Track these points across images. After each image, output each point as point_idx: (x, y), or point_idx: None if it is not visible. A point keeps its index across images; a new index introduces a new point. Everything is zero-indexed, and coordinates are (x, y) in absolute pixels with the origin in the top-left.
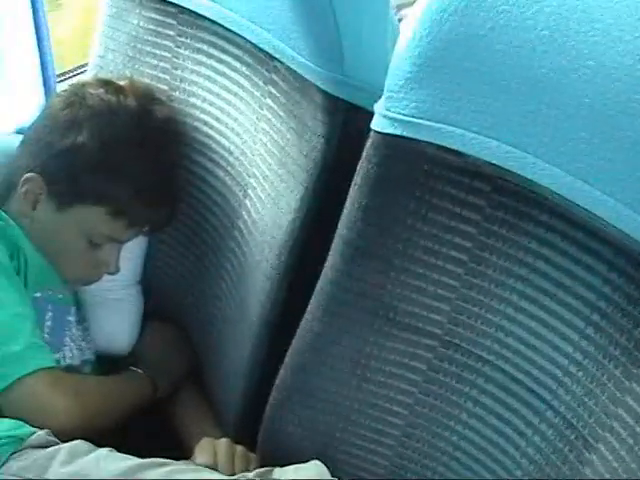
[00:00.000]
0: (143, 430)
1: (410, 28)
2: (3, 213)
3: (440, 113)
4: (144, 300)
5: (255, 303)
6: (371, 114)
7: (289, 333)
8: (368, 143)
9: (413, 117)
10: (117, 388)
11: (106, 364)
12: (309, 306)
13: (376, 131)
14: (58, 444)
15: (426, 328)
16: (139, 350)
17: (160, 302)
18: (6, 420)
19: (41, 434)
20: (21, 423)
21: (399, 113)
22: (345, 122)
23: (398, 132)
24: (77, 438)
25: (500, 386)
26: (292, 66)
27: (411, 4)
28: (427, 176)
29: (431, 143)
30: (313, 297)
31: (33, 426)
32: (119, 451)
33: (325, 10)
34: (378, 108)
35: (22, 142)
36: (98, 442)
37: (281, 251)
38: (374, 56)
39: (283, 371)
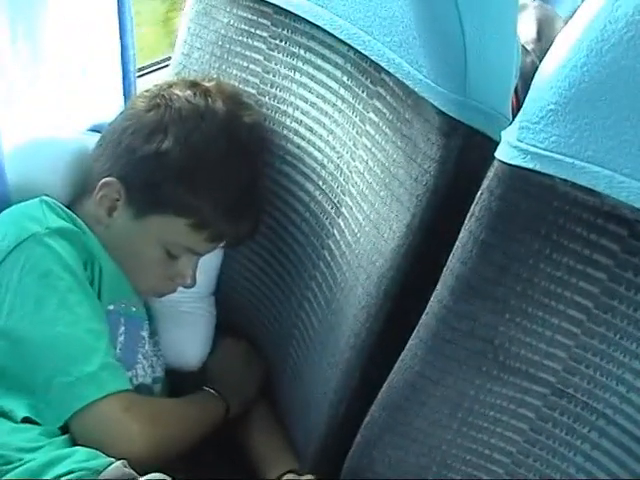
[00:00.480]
0: (211, 451)
1: (558, 56)
2: (78, 219)
3: (581, 149)
4: (217, 314)
5: (347, 331)
6: (491, 140)
7: (383, 366)
8: (490, 172)
9: (550, 151)
10: (192, 411)
11: (175, 381)
12: (410, 341)
13: (501, 161)
14: (135, 478)
15: (538, 374)
16: (210, 367)
17: (234, 317)
18: (81, 450)
19: (118, 465)
20: (96, 453)
21: (534, 145)
22: (463, 147)
23: (529, 165)
24: (152, 466)
25: (615, 442)
26: (406, 82)
27: None
28: (556, 214)
29: (565, 180)
30: (415, 332)
31: (108, 455)
32: (188, 475)
33: (453, 27)
34: (507, 137)
35: (100, 143)
36: (169, 467)
37: (381, 279)
38: (499, 79)
39: (375, 407)
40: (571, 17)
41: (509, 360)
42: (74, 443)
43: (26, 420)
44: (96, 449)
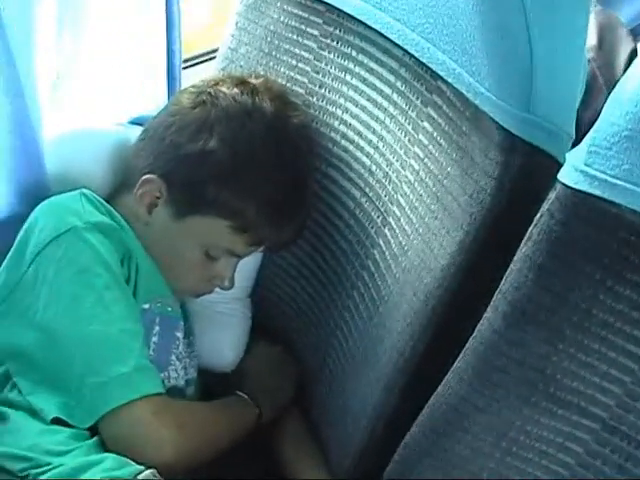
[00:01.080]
0: (241, 459)
1: (635, 80)
2: (116, 214)
3: None
4: (252, 317)
5: (390, 347)
6: (554, 160)
7: (426, 387)
8: (552, 195)
9: (621, 180)
10: (223, 416)
11: (208, 382)
12: (456, 364)
13: (565, 184)
14: None
15: (590, 409)
16: (243, 370)
17: (270, 321)
18: (110, 457)
19: (147, 475)
20: (125, 461)
21: (603, 172)
22: (523, 165)
23: (596, 192)
24: (180, 473)
25: None
26: (466, 93)
27: None
28: (621, 244)
29: (635, 210)
30: (462, 355)
31: (136, 459)
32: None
33: (520, 38)
34: (573, 160)
35: (142, 137)
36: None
37: (428, 298)
38: (565, 95)
39: (416, 429)
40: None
41: (560, 392)
42: (103, 446)
43: (56, 420)
44: (124, 452)
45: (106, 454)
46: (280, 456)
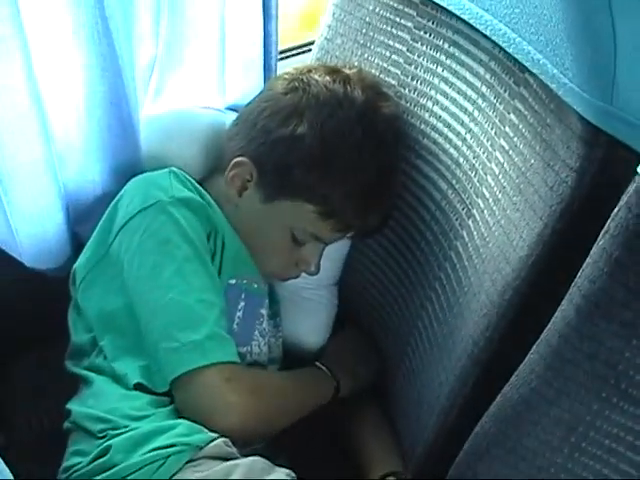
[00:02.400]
0: (313, 438)
1: None
2: (206, 193)
3: None
4: (338, 304)
5: (465, 337)
6: (634, 153)
7: (499, 378)
8: (631, 188)
9: None
10: (298, 385)
11: (292, 365)
12: (529, 356)
13: None
14: (236, 457)
15: None
16: (327, 350)
17: (353, 309)
18: (184, 423)
19: (219, 443)
20: (199, 428)
21: None
22: (604, 158)
23: None
24: (251, 440)
25: None
26: (550, 84)
27: None
28: None
29: None
30: (535, 347)
31: (205, 425)
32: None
33: (604, 29)
34: None
35: (236, 121)
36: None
37: (506, 289)
38: None
39: (486, 419)
40: None
41: (631, 389)
42: (179, 414)
43: (138, 386)
44: (193, 418)
45: (180, 420)
46: (355, 443)
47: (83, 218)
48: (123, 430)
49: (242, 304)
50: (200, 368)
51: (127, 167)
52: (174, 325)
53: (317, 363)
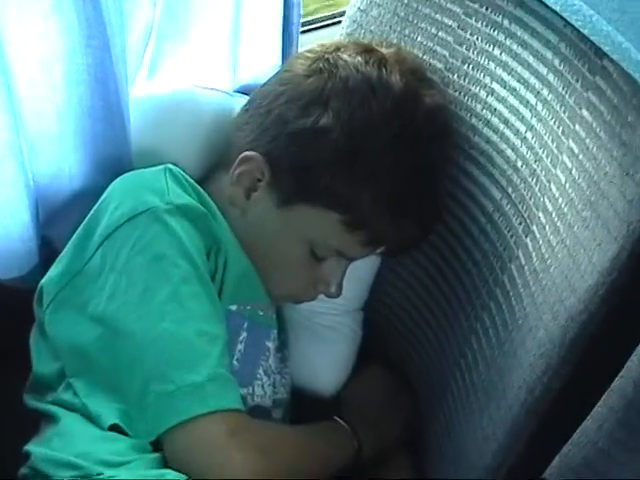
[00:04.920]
0: None
1: None
2: (208, 198)
3: None
4: (362, 334)
5: (518, 382)
6: None
7: (558, 434)
8: None
9: None
10: (314, 444)
11: (301, 409)
12: (596, 409)
13: None
14: None
15: None
16: (346, 395)
17: (382, 342)
18: (169, 474)
19: None
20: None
21: None
22: None
23: None
24: None
25: None
26: (634, 74)
27: None
28: None
29: None
30: (605, 398)
31: None
32: None
33: None
34: None
35: (246, 107)
36: None
37: (569, 324)
38: None
39: None
40: None
41: None
42: (165, 462)
43: (114, 427)
44: (189, 475)
45: (166, 470)
46: None
47: (55, 219)
48: (96, 479)
49: (244, 335)
50: (199, 417)
51: (112, 159)
52: (168, 363)
53: (336, 418)
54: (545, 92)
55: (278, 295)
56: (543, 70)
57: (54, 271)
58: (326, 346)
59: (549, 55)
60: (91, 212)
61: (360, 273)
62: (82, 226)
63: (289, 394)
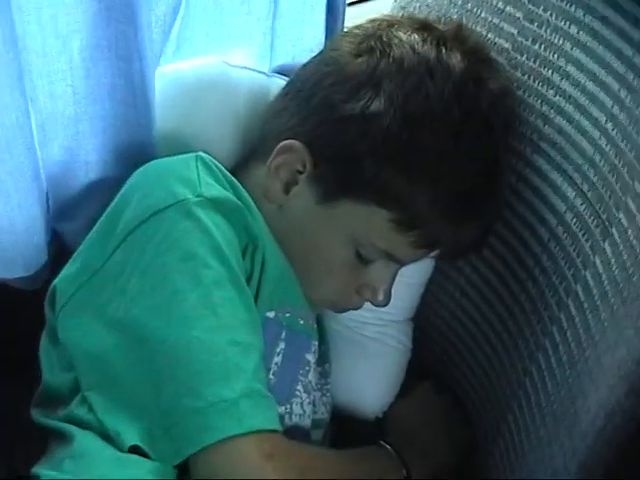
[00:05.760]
0: None
1: None
2: (243, 190)
3: None
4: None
5: (594, 407)
6: None
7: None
8: None
9: None
10: (357, 470)
11: (343, 430)
12: None
13: None
14: None
15: None
16: (393, 417)
17: (433, 357)
18: None
19: None
20: None
21: None
22: None
23: None
24: None
25: None
26: None
27: None
28: None
29: None
30: None
31: None
32: None
33: None
34: None
35: (285, 91)
36: None
37: None
38: None
39: None
40: None
41: None
42: None
43: (134, 450)
44: None
45: None
46: None
47: (68, 213)
48: None
49: (282, 346)
50: (232, 438)
51: (134, 145)
52: (198, 376)
53: (382, 442)
54: (629, 76)
55: (318, 300)
56: (628, 51)
57: (69, 269)
58: (371, 361)
59: (636, 35)
60: (111, 204)
61: (411, 279)
62: (101, 220)
63: (329, 414)
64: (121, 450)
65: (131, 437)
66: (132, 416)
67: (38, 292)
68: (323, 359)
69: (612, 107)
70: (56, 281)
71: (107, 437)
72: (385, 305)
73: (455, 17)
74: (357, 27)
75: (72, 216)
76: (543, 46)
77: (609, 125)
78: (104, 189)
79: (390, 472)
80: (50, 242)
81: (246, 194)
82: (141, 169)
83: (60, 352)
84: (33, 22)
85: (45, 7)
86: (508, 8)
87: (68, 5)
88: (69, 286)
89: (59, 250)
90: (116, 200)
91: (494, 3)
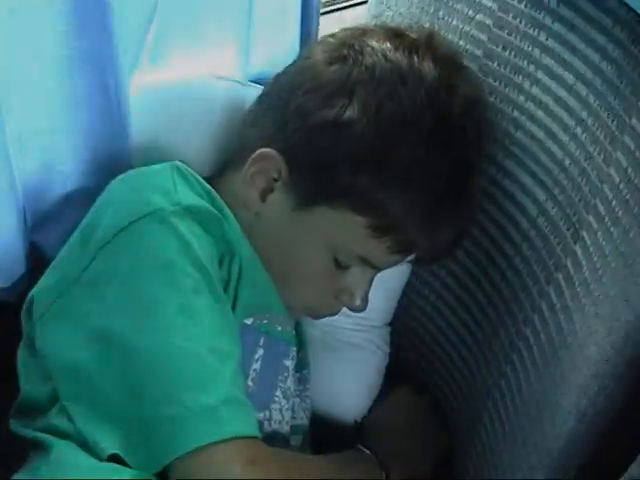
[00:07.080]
0: None
1: None
2: (219, 199)
3: None
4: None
5: (567, 406)
6: None
7: (613, 466)
8: None
9: None
10: (337, 475)
11: (322, 436)
12: None
13: None
14: None
15: None
16: (372, 421)
17: (410, 360)
18: None
19: None
20: None
21: None
22: None
23: None
24: None
25: None
26: None
27: None
28: None
29: None
30: None
31: None
32: None
33: None
34: None
35: (260, 99)
36: None
37: (626, 341)
38: None
39: None
40: None
41: None
42: None
43: (113, 458)
44: None
45: None
46: None
47: (45, 223)
48: None
49: (260, 353)
50: (213, 444)
51: (109, 156)
52: (177, 383)
53: (361, 447)
54: (597, 82)
55: (296, 307)
56: (595, 57)
57: (47, 280)
58: (350, 366)
59: (601, 40)
60: (88, 214)
61: (388, 284)
62: (78, 230)
63: (309, 419)
64: (100, 459)
65: (110, 446)
66: (111, 425)
67: (16, 303)
68: (302, 365)
69: (581, 112)
70: (33, 291)
71: (86, 446)
72: (363, 310)
73: (427, 25)
74: (331, 36)
75: (49, 227)
76: (513, 53)
77: (578, 130)
78: (81, 199)
79: (370, 476)
80: (28, 253)
81: (222, 203)
82: (117, 179)
83: (38, 362)
84: (4, 32)
85: (19, 15)
86: (479, 16)
87: (39, 11)
88: (47, 296)
89: (37, 261)
90: (93, 210)
91: (465, 11)
